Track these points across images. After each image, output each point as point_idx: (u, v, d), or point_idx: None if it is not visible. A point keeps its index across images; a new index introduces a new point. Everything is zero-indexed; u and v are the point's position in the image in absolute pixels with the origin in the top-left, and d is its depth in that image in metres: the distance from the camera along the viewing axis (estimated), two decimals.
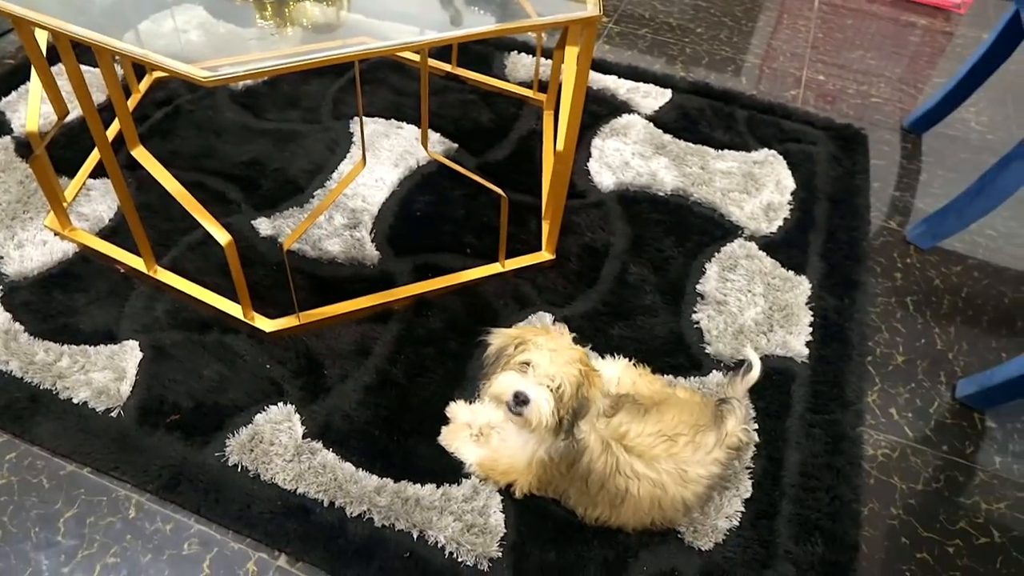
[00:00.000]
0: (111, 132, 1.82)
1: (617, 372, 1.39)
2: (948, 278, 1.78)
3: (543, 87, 2.11)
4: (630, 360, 1.44)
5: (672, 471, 1.19)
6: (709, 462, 1.22)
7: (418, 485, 1.29)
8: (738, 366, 1.49)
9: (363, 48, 1.15)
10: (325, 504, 1.26)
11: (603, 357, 1.48)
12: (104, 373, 1.41)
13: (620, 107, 2.13)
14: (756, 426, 1.41)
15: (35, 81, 1.51)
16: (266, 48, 1.16)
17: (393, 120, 2.00)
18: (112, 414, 1.35)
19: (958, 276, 1.78)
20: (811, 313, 1.62)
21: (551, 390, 1.08)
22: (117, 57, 1.83)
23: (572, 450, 1.17)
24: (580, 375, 1.09)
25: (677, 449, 1.19)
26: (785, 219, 1.84)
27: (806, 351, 1.55)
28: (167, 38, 1.15)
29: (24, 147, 1.84)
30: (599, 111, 2.11)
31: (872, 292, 1.72)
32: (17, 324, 1.47)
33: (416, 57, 2.18)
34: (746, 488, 1.32)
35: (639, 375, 1.39)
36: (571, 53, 1.36)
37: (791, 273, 1.71)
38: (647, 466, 1.18)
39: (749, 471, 1.35)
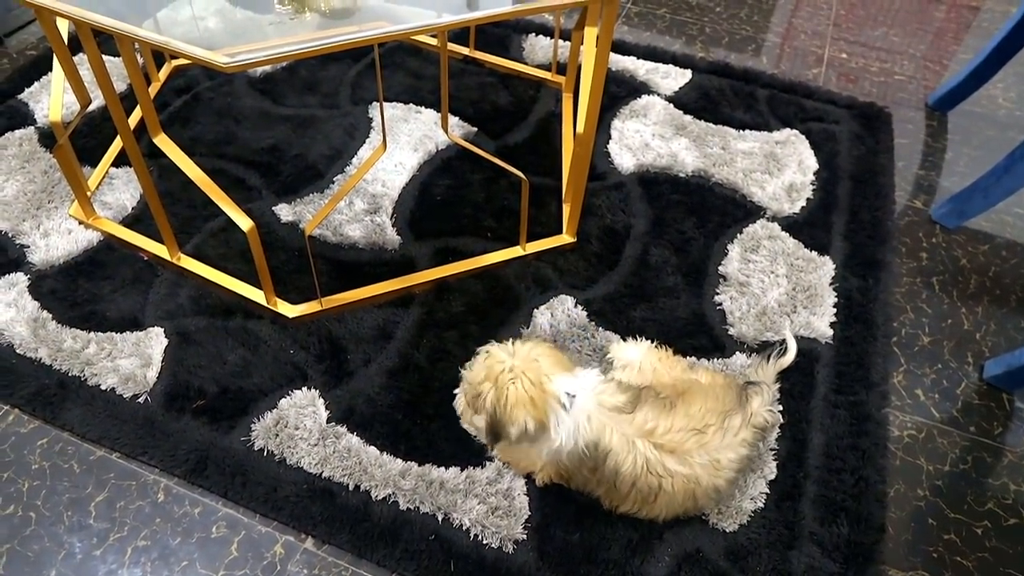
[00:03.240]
0: (132, 120, 1.84)
1: (639, 355, 1.37)
2: (975, 257, 1.75)
3: (561, 69, 2.10)
4: (652, 342, 1.44)
5: (705, 463, 1.16)
6: (737, 444, 1.20)
7: (442, 468, 1.30)
8: (762, 348, 1.48)
9: (381, 31, 1.15)
10: (350, 487, 1.27)
11: (625, 339, 1.48)
12: (131, 360, 1.42)
13: (639, 88, 2.11)
14: (780, 407, 1.40)
15: (57, 71, 1.52)
16: (284, 34, 1.16)
17: (411, 104, 1.99)
18: (139, 400, 1.37)
19: (985, 256, 1.76)
20: (835, 294, 1.61)
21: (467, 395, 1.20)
22: (137, 45, 1.85)
23: (589, 455, 1.15)
24: (495, 395, 1.13)
25: (707, 439, 1.17)
26: (808, 199, 1.82)
27: (830, 332, 1.53)
28: (185, 25, 1.16)
29: (48, 137, 1.86)
30: (618, 92, 2.09)
31: (897, 272, 1.70)
32: (45, 312, 1.49)
33: (434, 41, 2.17)
34: (771, 470, 1.32)
35: (659, 359, 1.37)
36: (590, 34, 1.35)
37: (814, 254, 1.69)
38: (680, 462, 1.15)
39: (773, 453, 1.34)
